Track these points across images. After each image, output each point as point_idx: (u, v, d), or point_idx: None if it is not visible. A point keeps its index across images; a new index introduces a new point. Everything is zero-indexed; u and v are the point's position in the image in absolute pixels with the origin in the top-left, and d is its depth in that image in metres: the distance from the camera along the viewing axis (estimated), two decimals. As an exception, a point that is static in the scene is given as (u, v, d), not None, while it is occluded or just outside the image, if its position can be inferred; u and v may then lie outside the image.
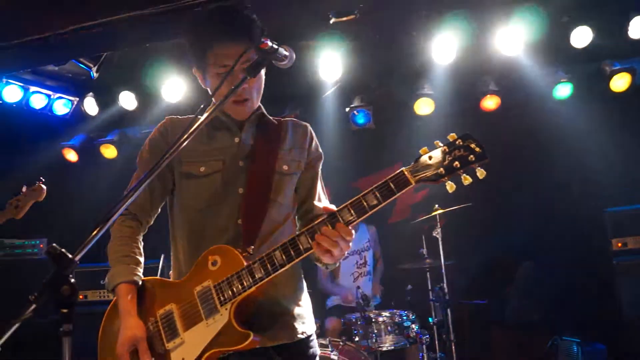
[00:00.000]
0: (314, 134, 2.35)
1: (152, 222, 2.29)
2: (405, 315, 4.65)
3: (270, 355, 2.06)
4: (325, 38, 5.19)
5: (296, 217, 2.32)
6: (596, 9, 4.92)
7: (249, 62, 1.96)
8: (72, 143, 6.36)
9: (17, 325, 1.45)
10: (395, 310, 4.72)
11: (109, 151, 6.39)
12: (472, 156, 1.82)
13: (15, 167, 6.46)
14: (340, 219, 1.88)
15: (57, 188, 6.55)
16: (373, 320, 4.53)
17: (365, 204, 1.86)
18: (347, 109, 5.91)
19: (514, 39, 4.83)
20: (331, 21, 4.44)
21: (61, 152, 6.40)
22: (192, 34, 2.13)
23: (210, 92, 2.14)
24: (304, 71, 5.45)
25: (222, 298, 1.95)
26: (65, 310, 1.49)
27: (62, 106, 6.14)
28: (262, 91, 2.20)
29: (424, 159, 1.87)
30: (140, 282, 2.11)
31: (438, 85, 5.69)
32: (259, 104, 2.25)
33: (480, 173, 1.83)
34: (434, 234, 4.86)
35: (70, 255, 1.51)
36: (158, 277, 2.22)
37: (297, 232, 1.93)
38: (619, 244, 5.48)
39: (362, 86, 5.98)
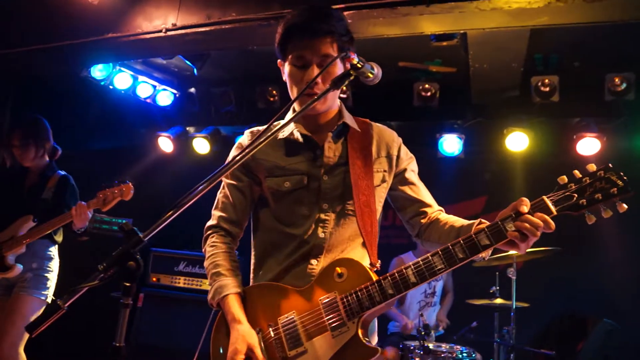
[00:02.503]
0: (400, 140, 2.34)
1: (242, 234, 2.34)
2: (465, 352, 4.50)
3: None
4: (426, 61, 5.25)
5: (409, 225, 2.31)
6: None
7: (325, 61, 2.03)
8: (169, 133, 6.68)
9: (84, 289, 1.55)
10: (455, 346, 4.59)
11: (201, 146, 6.65)
12: (614, 189, 1.78)
13: (116, 148, 6.91)
14: (477, 241, 1.85)
15: (148, 174, 6.99)
16: (432, 351, 4.43)
17: (503, 229, 1.84)
18: (438, 135, 5.85)
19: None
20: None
21: (157, 141, 6.73)
22: (280, 25, 2.17)
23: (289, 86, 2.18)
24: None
25: (349, 311, 1.95)
26: (128, 284, 1.57)
27: (165, 97, 6.49)
28: (336, 96, 2.22)
29: (564, 188, 1.84)
30: (242, 293, 2.14)
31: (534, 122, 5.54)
32: (343, 110, 2.26)
33: (621, 207, 1.78)
34: (509, 275, 4.69)
35: (140, 235, 1.60)
36: (270, 283, 2.20)
37: (431, 253, 1.90)
38: None
39: (454, 113, 5.92)
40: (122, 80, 6.03)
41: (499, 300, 4.78)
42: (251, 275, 2.28)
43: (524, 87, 5.31)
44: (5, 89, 5.74)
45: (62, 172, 4.43)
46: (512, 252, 4.57)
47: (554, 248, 4.54)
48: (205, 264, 2.24)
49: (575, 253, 5.71)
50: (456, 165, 6.09)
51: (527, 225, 1.80)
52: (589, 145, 5.40)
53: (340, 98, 5.71)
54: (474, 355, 4.54)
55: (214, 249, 2.23)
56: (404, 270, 1.91)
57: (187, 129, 6.93)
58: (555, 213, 1.81)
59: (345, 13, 3.60)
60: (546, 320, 5.89)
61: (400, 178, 2.27)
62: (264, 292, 2.13)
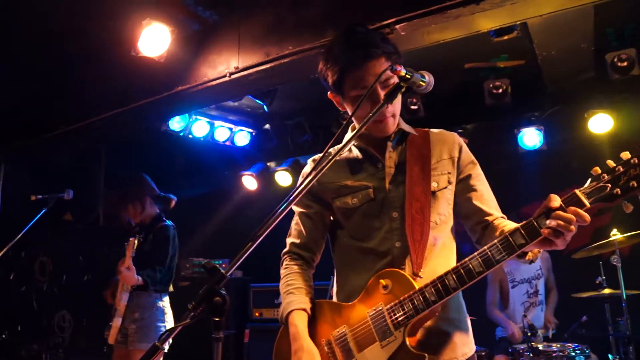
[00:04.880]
0: (462, 142, 2.31)
1: (318, 259, 2.41)
2: (579, 349, 4.30)
3: None
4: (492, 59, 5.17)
5: (471, 231, 2.28)
6: None
7: (388, 82, 2.04)
8: (251, 171, 6.91)
9: (178, 329, 1.66)
10: (567, 344, 4.39)
11: (284, 178, 6.84)
12: None
13: (203, 194, 7.24)
14: (512, 241, 1.86)
15: (237, 214, 7.25)
16: (542, 352, 4.26)
17: (537, 225, 1.84)
18: (516, 131, 5.70)
19: None
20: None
21: (241, 180, 6.98)
22: (327, 60, 2.20)
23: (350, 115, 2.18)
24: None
25: (395, 320, 2.00)
26: (217, 319, 1.65)
27: (242, 137, 6.75)
28: (398, 112, 2.23)
29: (597, 178, 1.81)
30: (310, 312, 2.21)
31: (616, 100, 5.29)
32: (400, 120, 2.27)
33: None
34: (613, 262, 4.45)
35: (222, 270, 1.69)
36: (327, 299, 2.31)
37: (469, 257, 1.93)
38: None
39: (531, 105, 5.76)
40: (200, 128, 6.34)
41: (607, 291, 4.53)
42: (334, 298, 2.33)
43: (599, 66, 5.08)
44: (96, 154, 6.19)
45: (167, 222, 4.65)
46: (613, 238, 4.36)
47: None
48: (280, 286, 2.33)
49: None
50: (540, 158, 5.89)
51: (559, 221, 1.77)
52: (679, 116, 5.09)
53: (411, 110, 5.77)
54: (587, 352, 4.33)
55: (286, 271, 2.34)
56: (445, 277, 1.94)
57: (268, 164, 7.15)
58: (588, 206, 1.78)
59: (397, 27, 3.62)
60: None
61: (463, 185, 2.24)
62: (321, 309, 2.22)
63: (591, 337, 4.74)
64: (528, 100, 5.63)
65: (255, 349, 6.01)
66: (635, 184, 1.74)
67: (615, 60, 4.92)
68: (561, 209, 1.79)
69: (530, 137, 5.61)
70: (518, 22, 3.97)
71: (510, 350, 4.66)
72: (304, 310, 2.19)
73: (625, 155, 1.78)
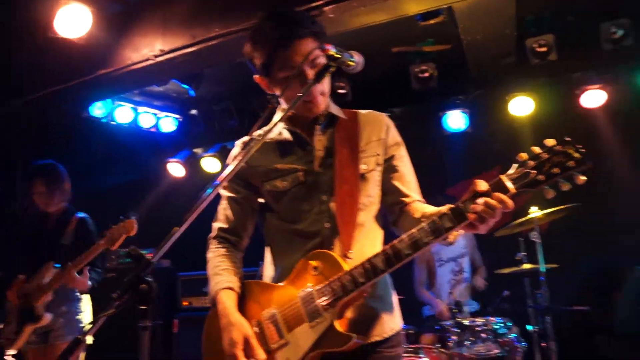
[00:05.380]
0: (390, 122, 2.34)
1: (246, 243, 2.39)
2: (501, 323, 4.49)
3: (363, 352, 2.11)
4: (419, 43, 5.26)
5: (388, 211, 2.31)
6: None
7: (316, 61, 2.04)
8: (177, 158, 6.75)
9: (102, 319, 1.59)
10: (490, 318, 4.58)
11: (211, 165, 6.72)
12: (571, 162, 1.78)
13: (128, 182, 7.02)
14: (440, 224, 1.89)
15: (164, 202, 7.07)
16: (468, 327, 4.42)
17: (464, 209, 1.87)
18: (441, 113, 5.84)
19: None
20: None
21: (167, 167, 6.81)
22: (254, 42, 2.17)
23: (279, 96, 2.17)
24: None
25: (324, 302, 2.02)
26: (143, 307, 1.60)
27: (168, 123, 6.58)
28: (328, 91, 2.22)
29: (522, 165, 1.85)
30: (239, 291, 2.20)
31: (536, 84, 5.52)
32: (329, 102, 2.27)
33: (579, 179, 1.79)
34: (532, 238, 4.66)
35: (148, 257, 1.64)
36: (258, 280, 2.30)
37: (398, 240, 1.94)
38: None
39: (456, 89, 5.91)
40: (123, 114, 6.13)
41: (527, 266, 4.74)
42: (264, 279, 2.32)
43: (520, 51, 5.27)
44: (15, 141, 5.87)
45: (81, 214, 4.47)
46: (532, 215, 4.55)
47: (573, 205, 4.49)
48: (207, 269, 2.30)
49: (595, 207, 5.67)
50: (465, 140, 6.09)
51: (484, 207, 1.81)
52: (593, 97, 5.38)
53: (340, 93, 5.79)
54: (509, 324, 4.54)
55: (213, 254, 2.31)
56: (373, 259, 1.96)
57: (195, 150, 7.01)
58: (514, 191, 1.82)
59: (325, 8, 3.62)
60: (580, 278, 5.85)
61: (387, 165, 2.28)
62: (250, 290, 2.22)
63: (513, 310, 4.95)
64: (453, 84, 5.77)
65: (184, 339, 5.91)
66: (558, 171, 1.79)
67: (535, 45, 5.11)
68: (487, 194, 1.83)
69: (455, 120, 5.77)
70: (443, 7, 4.06)
71: (437, 327, 4.80)
72: (232, 289, 2.18)
73: (550, 142, 1.83)
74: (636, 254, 5.62)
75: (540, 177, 1.81)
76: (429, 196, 2.30)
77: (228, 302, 2.14)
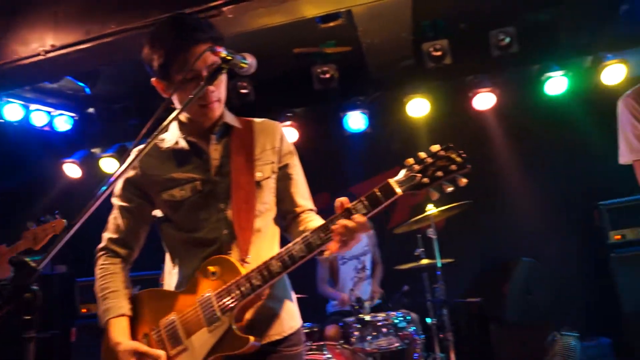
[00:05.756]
0: (283, 131, 2.40)
1: (136, 255, 2.37)
2: (401, 317, 4.66)
3: (263, 353, 2.15)
4: (320, 44, 5.33)
5: (281, 218, 2.37)
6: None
7: (214, 65, 2.04)
8: (73, 159, 6.46)
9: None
10: (391, 312, 4.74)
11: (110, 165, 6.47)
12: (453, 166, 1.91)
13: (20, 184, 6.62)
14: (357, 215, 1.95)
15: (60, 205, 6.73)
16: (369, 322, 4.55)
17: (354, 212, 1.94)
18: (342, 114, 5.95)
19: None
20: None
21: (62, 168, 6.49)
22: (152, 44, 2.15)
23: (175, 100, 2.18)
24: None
25: (222, 306, 2.05)
26: (28, 317, 1.54)
27: (63, 122, 6.27)
28: (225, 99, 2.25)
29: (409, 169, 1.95)
30: (130, 313, 2.20)
31: (432, 86, 5.76)
32: (224, 110, 2.29)
33: (461, 182, 1.92)
34: (429, 234, 4.88)
35: (32, 264, 1.57)
36: (157, 288, 2.31)
37: (293, 242, 2.02)
38: (617, 236, 5.50)
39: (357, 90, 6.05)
40: (12, 111, 5.78)
41: (425, 261, 4.95)
42: (165, 286, 2.32)
43: (417, 55, 5.48)
44: None
45: None
46: (428, 212, 4.76)
47: (465, 202, 4.74)
48: (95, 287, 2.27)
49: (487, 204, 6.07)
50: (365, 140, 6.25)
51: (340, 229, 1.92)
52: (484, 100, 5.67)
53: (242, 93, 5.75)
54: (409, 317, 4.71)
55: (101, 271, 2.28)
56: (269, 262, 2.02)
57: (92, 150, 6.73)
58: (401, 193, 1.93)
59: (224, 9, 3.60)
60: (474, 271, 6.19)
61: (281, 173, 2.34)
62: (149, 298, 2.24)
63: (412, 304, 5.15)
64: (354, 85, 5.91)
65: (83, 347, 5.65)
66: (442, 174, 1.92)
67: (431, 49, 5.34)
68: (345, 216, 1.94)
69: (356, 121, 5.90)
70: (342, 10, 4.15)
71: (340, 324, 4.90)
72: (123, 315, 2.18)
73: (434, 147, 1.97)
74: (523, 247, 6.05)
75: (425, 180, 1.92)
76: (332, 194, 2.38)
77: (118, 330, 2.15)
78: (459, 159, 1.92)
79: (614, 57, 5.33)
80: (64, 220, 3.89)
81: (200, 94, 1.99)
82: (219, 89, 2.17)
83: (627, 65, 5.29)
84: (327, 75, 5.50)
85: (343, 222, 1.92)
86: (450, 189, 1.93)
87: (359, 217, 1.92)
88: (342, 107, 5.95)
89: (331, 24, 4.59)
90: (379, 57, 5.41)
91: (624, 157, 2.95)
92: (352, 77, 5.76)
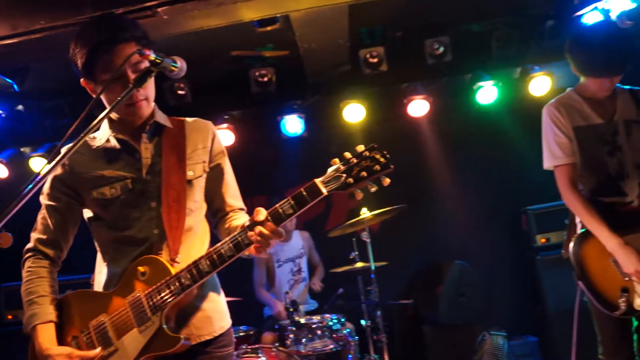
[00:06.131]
0: (215, 131, 2.42)
1: (64, 256, 2.35)
2: (335, 319, 4.72)
3: (193, 354, 2.17)
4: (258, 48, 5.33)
5: (211, 216, 2.40)
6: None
7: (139, 66, 2.06)
8: (1, 158, 6.20)
9: None
10: (326, 315, 4.79)
11: (40, 165, 6.25)
12: (377, 166, 1.95)
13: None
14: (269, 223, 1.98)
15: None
16: (304, 325, 4.59)
17: (282, 212, 1.98)
18: (279, 118, 5.97)
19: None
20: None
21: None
22: (77, 43, 2.15)
23: (104, 100, 2.17)
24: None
25: (152, 306, 2.06)
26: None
27: (-11, 120, 6.01)
28: (153, 98, 2.26)
29: (334, 169, 1.99)
30: (57, 320, 2.17)
31: (368, 92, 5.86)
32: (155, 110, 2.30)
33: (385, 182, 1.97)
34: (363, 238, 4.95)
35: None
36: (86, 289, 2.29)
37: (222, 242, 2.04)
38: (543, 240, 5.76)
39: (294, 94, 6.09)
40: None
41: (359, 264, 5.01)
42: (95, 287, 2.30)
43: (354, 61, 5.56)
44: None
45: None
46: (362, 216, 4.83)
47: (399, 206, 4.84)
48: (21, 290, 2.24)
49: (421, 208, 6.24)
50: (302, 144, 6.28)
51: (256, 236, 1.97)
52: (418, 107, 5.82)
53: (179, 94, 5.69)
54: (342, 320, 4.77)
55: (29, 274, 2.25)
56: (199, 262, 2.05)
57: (22, 149, 6.47)
58: (326, 193, 1.98)
59: (159, 10, 3.54)
60: (409, 273, 6.32)
61: (212, 173, 2.36)
62: (78, 300, 2.22)
63: (347, 307, 5.22)
64: (291, 89, 5.93)
65: (8, 357, 5.44)
66: (366, 174, 1.96)
67: (367, 56, 5.42)
68: (262, 224, 1.98)
69: (293, 124, 5.92)
70: (279, 15, 4.17)
71: (276, 327, 4.92)
72: (50, 321, 2.16)
73: (359, 148, 2.02)
74: (455, 250, 6.23)
75: (350, 180, 1.97)
76: (268, 197, 2.39)
77: (46, 337, 2.12)
78: (382, 160, 1.97)
79: (540, 69, 5.60)
80: (10, 236, 3.72)
81: (126, 95, 1.99)
82: (147, 89, 2.17)
83: (551, 77, 5.56)
84: (265, 79, 5.50)
85: (259, 228, 1.96)
86: (374, 189, 1.98)
87: (270, 225, 1.96)
88: (279, 110, 5.97)
89: (269, 28, 4.61)
90: (317, 62, 5.47)
91: (547, 162, 3.14)
92: (289, 81, 5.78)
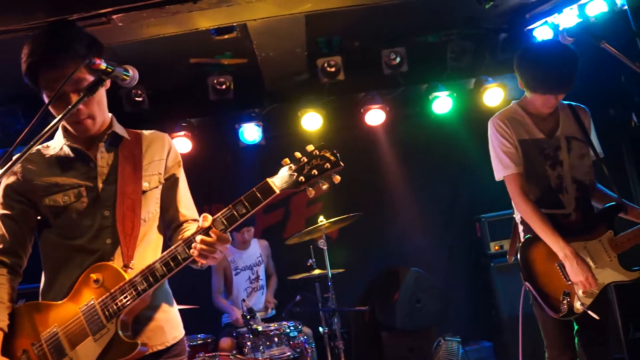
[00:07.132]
0: (172, 143, 2.44)
1: (25, 264, 2.30)
2: (292, 326, 4.74)
3: None
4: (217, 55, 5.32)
5: (165, 227, 2.39)
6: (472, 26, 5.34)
7: (81, 85, 2.05)
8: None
9: None
10: (283, 322, 4.81)
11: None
12: (327, 164, 2.01)
13: None
14: (214, 229, 2.00)
15: None
16: (262, 332, 4.60)
17: (235, 213, 2.00)
18: (237, 126, 5.98)
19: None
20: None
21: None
22: (25, 54, 2.12)
23: (52, 110, 2.15)
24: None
25: (107, 313, 2.03)
26: None
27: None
28: (104, 107, 2.24)
29: (286, 169, 2.03)
30: (7, 329, 2.12)
31: (325, 101, 5.91)
32: (113, 120, 2.30)
33: (335, 179, 2.02)
34: (320, 246, 4.99)
35: None
36: (37, 301, 2.23)
37: (175, 245, 2.05)
38: (496, 247, 5.90)
39: (252, 102, 6.10)
40: None
41: (317, 271, 5.06)
42: (41, 298, 2.25)
43: (312, 70, 5.61)
44: None
45: None
46: (319, 224, 4.87)
47: (356, 214, 4.90)
48: None
49: (377, 216, 6.31)
50: (259, 151, 6.29)
51: (202, 245, 1.98)
52: (375, 116, 5.91)
53: (136, 101, 5.62)
54: (300, 327, 4.80)
55: None
56: (153, 266, 2.05)
57: (-29, 156, 6.29)
58: (279, 192, 2.02)
59: (114, 17, 3.53)
60: (368, 280, 6.38)
61: (167, 184, 2.37)
62: (29, 312, 2.17)
63: (305, 314, 5.25)
64: (249, 97, 5.95)
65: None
66: (317, 172, 2.01)
67: (325, 65, 5.49)
68: (206, 233, 1.99)
69: (250, 132, 5.93)
70: (235, 24, 4.19)
71: (234, 334, 4.91)
72: (1, 329, 2.10)
73: (310, 147, 2.07)
74: (412, 257, 6.33)
75: (301, 178, 2.02)
76: (226, 205, 2.42)
77: None
78: (333, 158, 2.02)
79: (494, 80, 5.77)
80: None
81: (70, 112, 1.96)
82: (89, 107, 2.14)
83: (504, 89, 5.74)
84: (223, 87, 5.50)
85: (202, 237, 1.98)
86: (325, 187, 2.03)
87: (215, 231, 1.98)
88: (237, 118, 5.97)
89: (226, 37, 4.62)
90: (274, 71, 5.51)
91: (498, 173, 3.22)
92: (247, 89, 5.79)
